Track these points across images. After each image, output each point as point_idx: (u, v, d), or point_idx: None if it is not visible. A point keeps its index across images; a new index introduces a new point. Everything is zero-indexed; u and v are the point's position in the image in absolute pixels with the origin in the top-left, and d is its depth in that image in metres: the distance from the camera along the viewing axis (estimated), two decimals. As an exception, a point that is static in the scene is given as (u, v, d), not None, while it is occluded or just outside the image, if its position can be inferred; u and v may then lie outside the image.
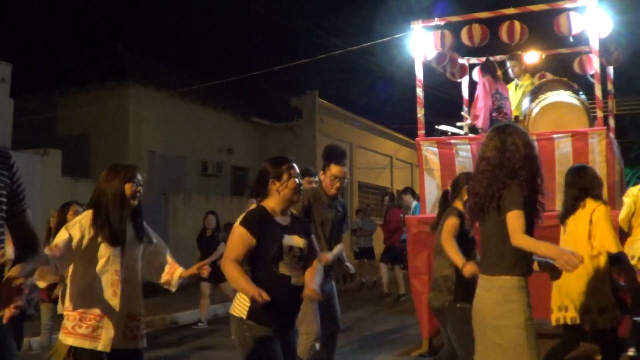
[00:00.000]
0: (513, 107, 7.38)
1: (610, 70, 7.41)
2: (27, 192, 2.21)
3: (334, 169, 4.64)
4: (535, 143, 3.24)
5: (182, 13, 37.21)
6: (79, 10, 33.28)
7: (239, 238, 3.14)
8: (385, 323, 8.40)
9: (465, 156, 6.44)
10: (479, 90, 7.08)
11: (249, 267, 3.16)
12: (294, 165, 3.30)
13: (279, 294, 3.07)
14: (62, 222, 4.60)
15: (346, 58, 25.67)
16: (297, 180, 3.27)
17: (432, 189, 6.57)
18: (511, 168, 3.00)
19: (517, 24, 6.71)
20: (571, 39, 6.66)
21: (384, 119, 24.83)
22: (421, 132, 6.78)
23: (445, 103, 17.14)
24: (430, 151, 6.57)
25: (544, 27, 6.83)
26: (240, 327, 3.17)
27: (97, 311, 3.27)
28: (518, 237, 2.90)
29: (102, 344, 3.25)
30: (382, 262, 11.30)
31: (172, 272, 3.63)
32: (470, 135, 7.12)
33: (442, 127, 7.18)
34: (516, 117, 6.99)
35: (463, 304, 4.09)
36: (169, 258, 3.67)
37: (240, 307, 3.18)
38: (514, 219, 2.92)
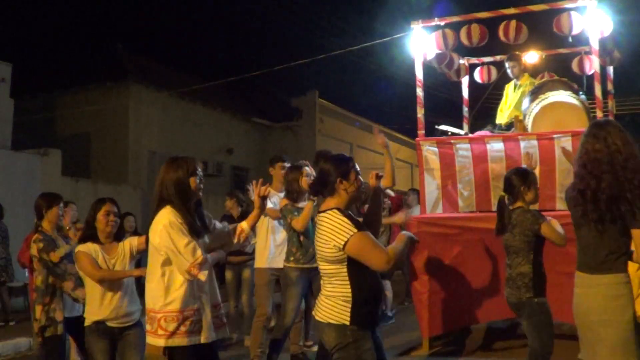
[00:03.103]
0: (512, 107, 7.39)
1: (610, 70, 7.41)
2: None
3: None
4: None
5: (183, 13, 37.17)
6: (78, 10, 33.28)
7: (371, 239, 3.08)
8: (385, 323, 8.39)
9: (465, 156, 6.44)
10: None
11: (347, 269, 3.08)
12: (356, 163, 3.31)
13: (376, 292, 3.13)
14: (92, 219, 4.22)
15: (346, 58, 25.67)
16: (361, 178, 3.27)
17: (432, 189, 6.56)
18: (621, 168, 2.98)
19: (516, 23, 6.71)
20: (570, 39, 6.67)
21: (384, 119, 24.85)
22: (421, 132, 6.78)
23: (445, 103, 17.17)
24: (430, 151, 6.57)
25: (544, 27, 6.83)
26: (342, 333, 3.04)
27: (195, 306, 3.30)
28: None
29: (204, 336, 3.31)
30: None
31: (241, 227, 3.60)
32: (470, 135, 7.13)
33: (442, 127, 7.19)
34: (516, 117, 6.99)
35: (540, 299, 4.31)
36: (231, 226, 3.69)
37: (339, 313, 3.06)
38: None
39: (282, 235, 5.86)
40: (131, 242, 4.25)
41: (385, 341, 7.38)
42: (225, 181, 18.26)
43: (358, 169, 3.26)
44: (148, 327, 3.31)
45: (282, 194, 5.82)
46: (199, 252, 3.21)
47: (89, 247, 4.11)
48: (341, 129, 21.79)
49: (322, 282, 3.20)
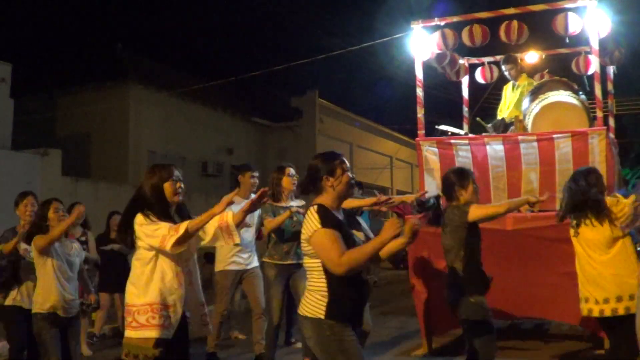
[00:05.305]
0: (511, 107, 7.38)
1: (610, 70, 7.40)
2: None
3: None
4: None
5: (183, 13, 37.17)
6: (78, 10, 33.27)
7: (332, 238, 3.02)
8: (385, 323, 8.40)
9: (465, 156, 6.44)
10: None
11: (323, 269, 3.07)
12: (345, 159, 3.26)
13: (356, 290, 3.09)
14: (42, 218, 4.65)
15: (346, 58, 25.73)
16: (350, 174, 3.23)
17: (432, 189, 6.54)
18: None
19: (518, 24, 6.70)
20: (567, 40, 6.66)
21: (384, 119, 24.89)
22: (421, 132, 6.78)
23: (445, 103, 17.16)
24: (430, 151, 6.57)
25: (544, 27, 6.83)
26: (319, 327, 3.07)
27: (169, 302, 3.45)
28: None
29: (174, 331, 3.45)
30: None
31: (223, 218, 3.60)
32: (470, 135, 7.12)
33: (442, 127, 7.17)
34: (516, 117, 6.99)
35: (477, 298, 4.21)
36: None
37: (315, 307, 3.08)
38: None
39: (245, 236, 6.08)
40: (81, 251, 4.89)
41: (385, 341, 7.39)
42: (225, 181, 18.27)
43: (347, 165, 3.23)
44: (127, 320, 3.45)
45: (248, 200, 6.05)
46: (175, 226, 3.37)
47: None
48: (341, 129, 21.79)
49: (307, 277, 3.23)
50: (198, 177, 17.16)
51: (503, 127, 7.20)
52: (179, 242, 3.32)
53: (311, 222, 3.07)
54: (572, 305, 5.53)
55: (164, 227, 3.37)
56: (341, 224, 3.14)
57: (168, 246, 3.31)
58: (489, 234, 4.79)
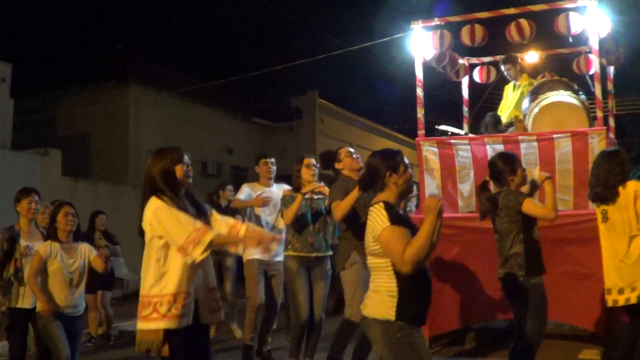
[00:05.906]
0: (511, 107, 7.38)
1: (611, 70, 7.40)
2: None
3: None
4: None
5: (183, 13, 37.22)
6: (78, 10, 33.28)
7: (401, 235, 2.96)
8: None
9: (465, 156, 6.44)
10: None
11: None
12: (405, 157, 3.22)
13: (424, 289, 3.07)
14: (53, 219, 4.70)
15: (346, 58, 25.70)
16: (411, 172, 3.19)
17: (432, 189, 6.56)
18: None
19: (526, 21, 6.70)
20: (570, 39, 6.66)
21: (384, 119, 24.88)
22: (421, 132, 6.78)
23: (445, 103, 17.19)
24: (430, 151, 6.57)
25: (544, 27, 6.83)
26: (389, 329, 3.00)
27: (189, 289, 3.24)
28: None
29: (201, 318, 3.31)
30: None
31: (237, 231, 3.43)
32: (470, 135, 7.12)
33: (442, 127, 7.18)
34: (516, 117, 6.99)
35: (536, 279, 4.21)
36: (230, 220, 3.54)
37: (384, 308, 3.01)
38: None
39: (271, 226, 5.96)
40: (90, 252, 4.85)
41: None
42: (225, 181, 18.25)
43: (407, 161, 3.20)
44: (143, 312, 3.24)
45: (270, 189, 6.05)
46: (199, 223, 3.19)
47: (50, 246, 4.66)
48: (341, 129, 21.78)
49: (371, 277, 3.15)
50: (198, 177, 17.16)
51: (493, 122, 7.16)
52: (204, 252, 3.16)
53: (379, 219, 3.00)
54: (573, 306, 5.55)
55: (185, 225, 3.16)
56: (408, 221, 3.11)
57: (196, 257, 3.15)
58: (489, 233, 4.79)
